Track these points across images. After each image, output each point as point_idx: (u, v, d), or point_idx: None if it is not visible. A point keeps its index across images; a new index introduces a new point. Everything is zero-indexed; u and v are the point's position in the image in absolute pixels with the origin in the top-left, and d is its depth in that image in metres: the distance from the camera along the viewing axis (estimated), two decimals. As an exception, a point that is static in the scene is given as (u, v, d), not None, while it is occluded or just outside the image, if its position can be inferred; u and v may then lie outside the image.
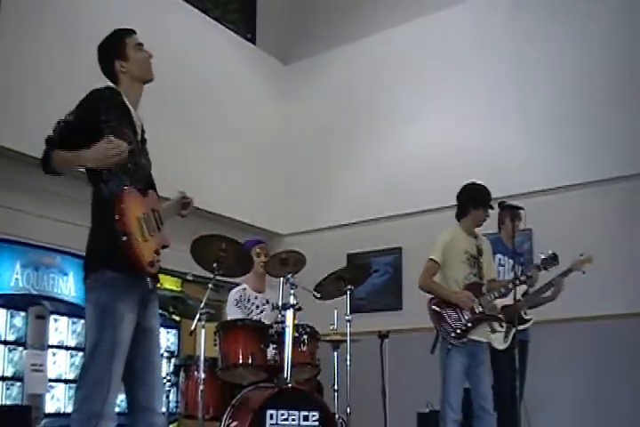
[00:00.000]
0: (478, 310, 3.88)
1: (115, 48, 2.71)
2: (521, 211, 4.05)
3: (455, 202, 4.10)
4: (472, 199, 4.03)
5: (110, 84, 2.64)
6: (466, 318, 3.86)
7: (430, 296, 3.98)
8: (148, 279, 2.50)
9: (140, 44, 2.73)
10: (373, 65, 6.91)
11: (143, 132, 2.71)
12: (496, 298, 3.94)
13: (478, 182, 4.07)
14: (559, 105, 5.75)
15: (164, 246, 2.62)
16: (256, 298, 4.43)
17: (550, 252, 4.03)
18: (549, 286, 4.28)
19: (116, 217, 2.37)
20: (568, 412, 5.09)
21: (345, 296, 4.19)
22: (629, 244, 5.18)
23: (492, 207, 4.04)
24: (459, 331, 3.83)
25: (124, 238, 2.35)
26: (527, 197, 5.02)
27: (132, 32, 2.74)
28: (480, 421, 3.80)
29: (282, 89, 7.41)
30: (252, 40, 7.39)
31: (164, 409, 3.58)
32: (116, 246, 2.36)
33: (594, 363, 5.15)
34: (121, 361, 2.43)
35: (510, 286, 3.93)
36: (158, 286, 2.80)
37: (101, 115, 2.51)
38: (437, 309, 3.90)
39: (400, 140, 6.57)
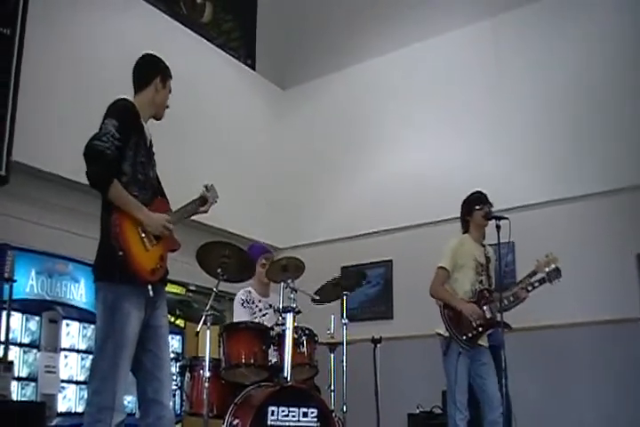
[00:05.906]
0: (488, 316, 3.98)
1: (165, 70, 2.93)
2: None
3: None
4: (474, 199, 4.19)
5: (123, 96, 2.73)
6: (477, 323, 3.96)
7: (442, 303, 4.03)
8: (149, 287, 2.58)
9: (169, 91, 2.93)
10: (363, 90, 7.12)
11: (151, 146, 2.84)
12: (507, 307, 3.96)
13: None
14: (539, 123, 5.85)
15: (172, 250, 2.77)
16: (260, 302, 4.50)
17: (554, 266, 4.09)
18: (517, 286, 4.16)
19: (113, 236, 2.52)
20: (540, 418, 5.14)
21: (340, 303, 4.30)
22: (604, 256, 5.33)
23: (491, 204, 4.15)
24: (470, 335, 3.94)
25: (121, 253, 2.50)
26: (509, 213, 4.94)
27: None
28: (489, 420, 3.85)
29: (279, 111, 7.60)
30: (252, 66, 7.55)
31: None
32: (117, 261, 2.50)
33: (563, 369, 5.26)
34: (127, 356, 2.51)
35: (523, 294, 4.02)
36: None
37: (133, 127, 2.67)
38: (452, 314, 3.99)
39: (388, 159, 6.72)
